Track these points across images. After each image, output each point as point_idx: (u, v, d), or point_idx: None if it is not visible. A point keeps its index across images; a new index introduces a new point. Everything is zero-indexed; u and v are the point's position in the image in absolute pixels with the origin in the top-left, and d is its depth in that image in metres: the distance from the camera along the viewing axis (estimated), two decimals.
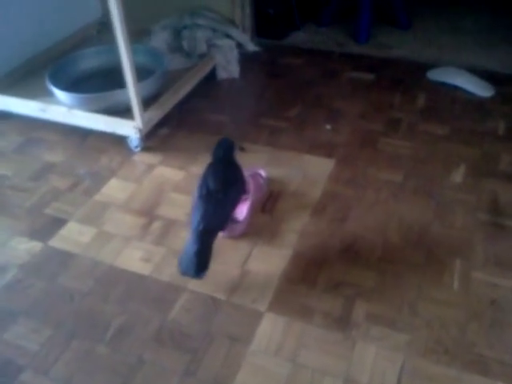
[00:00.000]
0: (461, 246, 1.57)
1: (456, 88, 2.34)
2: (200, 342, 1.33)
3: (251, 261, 1.54)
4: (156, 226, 1.68)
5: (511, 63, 2.52)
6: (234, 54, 2.46)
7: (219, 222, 1.45)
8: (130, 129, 1.94)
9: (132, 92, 1.84)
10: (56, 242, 1.63)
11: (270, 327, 1.36)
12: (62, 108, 2.03)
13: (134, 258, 1.56)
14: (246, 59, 2.58)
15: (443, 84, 2.38)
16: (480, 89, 2.31)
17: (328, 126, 2.13)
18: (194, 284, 1.47)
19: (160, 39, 2.45)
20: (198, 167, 1.89)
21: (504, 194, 1.75)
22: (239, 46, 2.55)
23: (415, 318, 1.37)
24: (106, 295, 1.46)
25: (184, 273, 1.39)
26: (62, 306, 1.44)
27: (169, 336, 1.35)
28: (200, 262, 1.37)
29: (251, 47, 2.62)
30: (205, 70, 2.36)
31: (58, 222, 1.70)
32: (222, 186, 1.46)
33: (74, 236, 1.65)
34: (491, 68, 2.48)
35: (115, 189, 1.84)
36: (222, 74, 2.47)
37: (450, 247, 1.57)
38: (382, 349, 1.30)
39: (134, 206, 1.76)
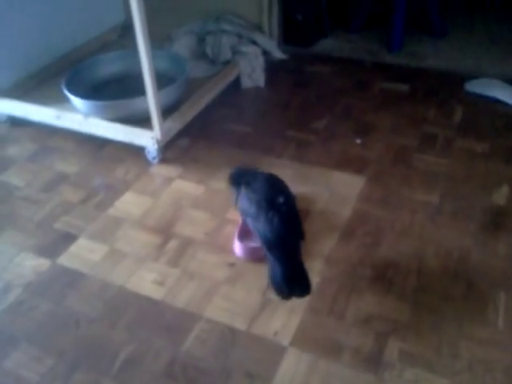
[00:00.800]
0: (505, 277, 1.43)
1: (496, 101, 2.20)
2: (216, 378, 1.21)
3: None
4: (172, 245, 1.56)
5: None
6: (259, 62, 2.35)
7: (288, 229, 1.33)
8: (148, 139, 1.84)
9: (151, 100, 1.74)
10: (65, 260, 1.53)
11: (293, 364, 1.23)
12: (78, 116, 1.95)
13: (147, 281, 1.45)
14: (271, 67, 2.47)
15: (482, 97, 2.24)
16: None
17: (358, 140, 2.00)
18: (210, 312, 1.35)
19: (183, 45, 2.36)
20: (219, 181, 1.79)
21: None
22: (265, 53, 2.44)
23: (456, 359, 1.23)
24: (114, 321, 1.35)
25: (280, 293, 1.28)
26: (67, 332, 1.33)
27: (181, 370, 1.23)
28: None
29: (278, 54, 2.50)
30: (229, 78, 2.27)
31: (68, 238, 1.60)
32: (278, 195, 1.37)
33: (84, 254, 1.55)
34: None
35: (130, 203, 1.74)
36: (246, 83, 2.37)
37: (492, 278, 1.43)
38: None
39: (149, 223, 1.65)
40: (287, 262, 1.27)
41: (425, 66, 2.52)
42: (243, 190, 1.42)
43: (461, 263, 1.47)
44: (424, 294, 1.38)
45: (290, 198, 1.40)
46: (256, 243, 1.46)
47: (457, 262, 1.48)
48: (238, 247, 1.51)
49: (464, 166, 1.85)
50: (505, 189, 1.73)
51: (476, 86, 2.28)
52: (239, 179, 1.46)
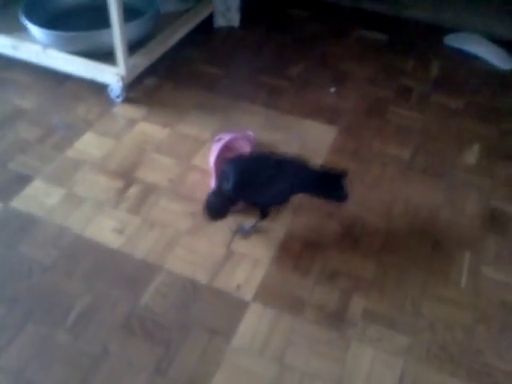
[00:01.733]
0: (471, 238, 1.43)
1: (475, 57, 2.15)
2: (175, 333, 1.17)
3: (237, 240, 1.38)
4: (133, 191, 1.49)
5: None
6: (235, 0, 2.21)
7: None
8: (111, 76, 1.73)
9: (116, 33, 1.62)
10: (18, 203, 1.44)
11: (256, 320, 1.20)
12: (37, 46, 1.82)
13: (106, 228, 1.39)
14: (247, 7, 2.34)
15: (461, 51, 2.18)
16: (501, 60, 2.11)
17: (332, 89, 1.94)
18: (171, 263, 1.30)
19: None
20: (186, 125, 1.72)
21: None
22: None
23: (418, 318, 1.23)
24: (70, 270, 1.28)
25: None
26: (19, 280, 1.26)
27: (139, 324, 1.18)
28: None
29: None
30: (201, 16, 2.14)
31: (23, 180, 1.51)
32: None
33: (40, 197, 1.46)
34: None
35: (90, 144, 1.64)
36: (219, 22, 2.25)
37: (459, 238, 1.43)
38: (380, 352, 1.16)
39: (110, 167, 1.57)
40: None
41: (404, 15, 2.43)
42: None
43: (428, 221, 1.46)
44: (390, 253, 1.37)
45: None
46: None
47: (425, 220, 1.46)
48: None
49: (438, 121, 1.82)
50: (476, 147, 1.71)
51: (455, 41, 2.22)
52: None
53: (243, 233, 1.38)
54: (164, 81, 1.92)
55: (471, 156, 1.68)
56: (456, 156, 1.68)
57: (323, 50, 2.17)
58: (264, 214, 1.38)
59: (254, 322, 1.20)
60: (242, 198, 1.35)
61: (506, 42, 2.21)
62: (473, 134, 1.77)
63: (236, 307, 1.22)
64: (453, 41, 2.21)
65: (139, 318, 1.19)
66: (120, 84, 1.74)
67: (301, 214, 1.46)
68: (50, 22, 1.91)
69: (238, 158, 1.36)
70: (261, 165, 1.35)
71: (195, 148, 1.64)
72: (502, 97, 1.95)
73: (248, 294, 1.25)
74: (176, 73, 1.97)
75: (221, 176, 1.31)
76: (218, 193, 1.30)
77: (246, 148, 1.53)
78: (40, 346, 1.14)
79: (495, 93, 1.97)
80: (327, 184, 1.36)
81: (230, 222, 1.40)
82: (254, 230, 1.39)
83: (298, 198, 1.47)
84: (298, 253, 1.35)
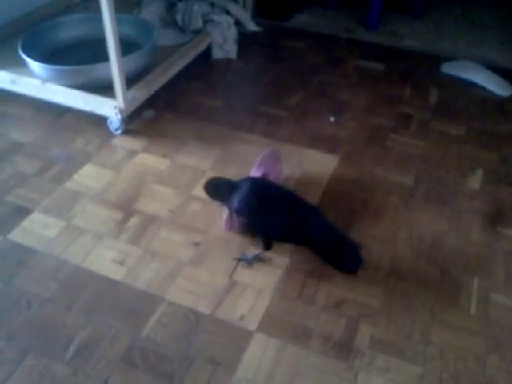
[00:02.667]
0: (478, 264, 1.40)
1: (472, 84, 2.16)
2: (177, 365, 1.13)
3: (240, 269, 1.35)
4: (133, 222, 1.47)
5: None
6: (232, 33, 2.25)
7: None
8: (110, 108, 1.73)
9: (114, 66, 1.62)
10: (16, 236, 1.42)
11: (260, 351, 1.16)
12: (35, 81, 1.82)
13: (106, 259, 1.36)
14: (244, 39, 2.37)
15: (458, 79, 2.19)
16: (498, 87, 2.12)
17: (332, 118, 1.94)
18: (173, 294, 1.27)
19: (151, 11, 2.23)
20: (185, 156, 1.71)
21: None
22: (238, 24, 2.33)
23: (427, 346, 1.19)
24: (69, 302, 1.25)
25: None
26: (18, 314, 1.22)
27: (141, 356, 1.14)
28: None
29: (251, 26, 2.40)
30: (199, 48, 2.15)
31: (21, 212, 1.49)
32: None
33: (38, 229, 1.44)
34: (509, 65, 2.30)
35: (90, 176, 1.63)
36: (217, 54, 2.26)
37: (466, 264, 1.40)
38: (389, 382, 1.12)
39: (110, 198, 1.55)
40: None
41: (401, 45, 2.46)
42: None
43: (434, 248, 1.43)
44: (396, 279, 1.34)
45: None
46: None
47: (430, 246, 1.43)
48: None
49: (439, 148, 1.81)
50: (479, 173, 1.70)
51: (452, 68, 2.24)
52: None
53: (246, 261, 1.36)
54: (163, 112, 1.92)
55: (474, 182, 1.67)
56: (459, 182, 1.66)
57: (321, 79, 2.18)
58: (267, 245, 1.35)
59: (259, 353, 1.16)
60: (244, 217, 1.33)
61: (503, 68, 2.23)
62: (475, 160, 1.76)
63: (240, 338, 1.19)
64: (450, 69, 2.23)
65: (140, 350, 1.15)
66: (119, 117, 1.74)
67: None
68: (49, 56, 1.92)
69: (259, 179, 1.36)
70: (277, 194, 1.34)
71: (195, 178, 1.62)
72: (501, 123, 1.95)
73: (252, 325, 1.21)
74: (175, 104, 1.97)
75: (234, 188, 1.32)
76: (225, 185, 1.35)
77: (275, 165, 1.56)
78: (39, 380, 1.09)
79: (494, 119, 1.97)
80: (338, 247, 1.33)
81: (232, 252, 1.37)
82: (257, 260, 1.36)
83: None
84: (302, 281, 1.32)
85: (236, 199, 1.31)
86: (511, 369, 1.15)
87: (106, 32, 1.57)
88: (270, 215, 1.30)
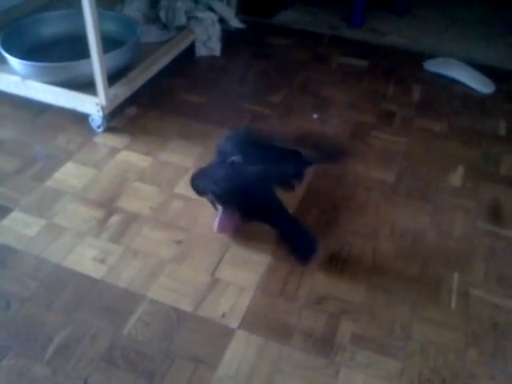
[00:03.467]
0: (459, 259, 1.41)
1: (454, 81, 2.17)
2: (158, 363, 1.13)
3: (222, 267, 1.34)
4: (115, 220, 1.46)
5: None
6: (215, 29, 2.24)
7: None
8: (92, 106, 1.72)
9: (96, 63, 1.61)
10: None
11: (242, 348, 1.16)
12: (15, 77, 1.80)
13: (87, 258, 1.35)
14: (228, 36, 2.36)
15: (441, 76, 2.21)
16: (480, 84, 2.14)
17: (315, 115, 1.94)
18: (154, 292, 1.27)
19: (134, 7, 2.21)
20: (168, 153, 1.70)
21: (506, 202, 1.60)
22: (222, 21, 2.32)
23: (408, 341, 1.20)
24: (49, 302, 1.24)
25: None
26: None
27: (121, 355, 1.14)
28: None
29: (235, 23, 2.39)
30: (182, 45, 2.14)
31: (1, 211, 1.47)
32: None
33: (18, 228, 1.42)
34: (490, 62, 2.32)
35: (71, 174, 1.61)
36: (201, 51, 2.25)
37: (447, 259, 1.41)
38: (370, 378, 1.13)
39: (91, 196, 1.54)
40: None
41: (384, 42, 2.47)
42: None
43: (416, 244, 1.44)
44: (378, 276, 1.34)
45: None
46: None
47: (412, 242, 1.44)
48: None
49: (421, 145, 1.82)
50: (461, 169, 1.71)
51: (435, 66, 2.25)
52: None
53: None
54: (146, 110, 1.91)
55: (456, 178, 1.68)
56: (441, 179, 1.67)
57: (305, 76, 2.18)
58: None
59: (240, 350, 1.16)
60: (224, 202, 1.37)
61: (485, 66, 2.25)
62: (457, 156, 1.77)
63: (221, 335, 1.19)
64: (432, 66, 2.24)
65: (121, 348, 1.15)
66: (100, 114, 1.72)
67: None
68: (29, 53, 1.89)
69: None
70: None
71: (178, 176, 1.61)
72: (483, 119, 1.96)
73: (234, 322, 1.21)
74: (158, 102, 1.96)
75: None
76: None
77: None
78: (18, 381, 1.08)
79: (476, 116, 1.98)
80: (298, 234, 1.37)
81: (215, 250, 1.38)
82: None
83: None
84: (284, 278, 1.32)
85: (212, 185, 1.32)
86: (490, 362, 1.16)
87: (87, 28, 1.55)
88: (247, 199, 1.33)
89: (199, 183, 1.39)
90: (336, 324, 1.22)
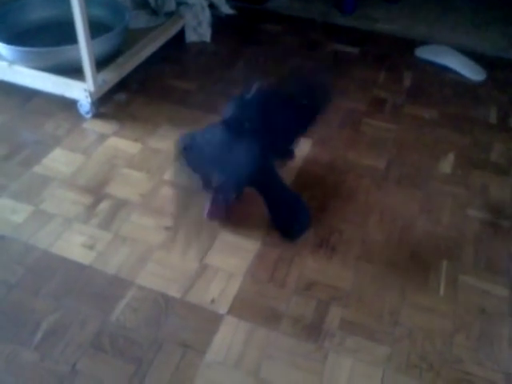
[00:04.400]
0: (448, 246, 1.41)
1: (445, 69, 2.17)
2: (146, 349, 1.12)
3: (212, 253, 1.34)
4: (104, 206, 1.45)
5: (503, 45, 2.36)
6: (206, 15, 2.22)
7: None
8: (80, 91, 1.70)
9: (84, 48, 1.59)
10: None
11: (230, 334, 1.16)
12: (2, 63, 1.77)
13: (75, 244, 1.34)
14: (219, 22, 2.34)
15: (432, 63, 2.20)
16: (471, 72, 2.13)
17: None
18: (143, 278, 1.26)
19: None
20: (158, 139, 1.69)
21: (496, 189, 1.60)
22: (212, 7, 2.29)
23: (396, 327, 1.21)
24: (37, 287, 1.23)
25: None
26: None
27: (110, 341, 1.14)
28: None
29: (226, 9, 2.37)
30: (172, 31, 2.12)
31: None
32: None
33: (6, 214, 1.41)
34: (482, 50, 2.31)
35: (59, 160, 1.60)
36: (191, 37, 2.23)
37: (436, 247, 1.41)
38: (359, 362, 1.13)
39: (80, 182, 1.52)
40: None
41: (376, 29, 2.45)
42: None
43: (405, 231, 1.44)
44: (367, 262, 1.35)
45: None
46: None
47: (401, 229, 1.44)
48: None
49: (412, 132, 1.81)
50: (451, 157, 1.71)
51: (426, 53, 2.24)
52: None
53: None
54: (135, 96, 1.90)
55: (446, 165, 1.68)
56: (431, 166, 1.67)
57: (295, 63, 2.17)
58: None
59: (229, 336, 1.16)
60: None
61: (476, 53, 2.24)
62: (447, 143, 1.77)
63: (210, 321, 1.19)
64: (424, 53, 2.24)
65: (110, 334, 1.14)
66: (89, 100, 1.71)
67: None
68: (16, 37, 1.87)
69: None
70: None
71: (167, 162, 1.61)
72: (473, 107, 1.96)
73: (222, 308, 1.21)
74: (148, 87, 1.95)
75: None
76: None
77: None
78: (5, 366, 1.08)
79: (467, 103, 1.98)
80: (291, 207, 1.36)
81: (204, 236, 1.37)
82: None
83: None
84: (273, 265, 1.32)
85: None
86: (477, 347, 1.17)
87: (74, 13, 1.53)
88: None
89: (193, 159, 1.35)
90: (325, 310, 1.23)
